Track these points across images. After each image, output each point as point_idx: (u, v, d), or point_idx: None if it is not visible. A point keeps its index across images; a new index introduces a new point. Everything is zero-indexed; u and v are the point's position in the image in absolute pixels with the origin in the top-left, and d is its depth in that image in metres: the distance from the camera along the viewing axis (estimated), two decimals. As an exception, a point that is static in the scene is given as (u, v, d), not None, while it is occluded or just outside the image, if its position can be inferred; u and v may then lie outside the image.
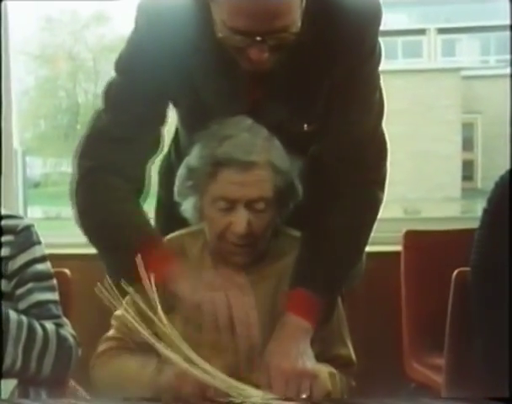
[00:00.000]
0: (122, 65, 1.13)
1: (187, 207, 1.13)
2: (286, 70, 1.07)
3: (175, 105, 1.17)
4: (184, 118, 1.20)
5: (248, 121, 1.09)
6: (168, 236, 1.18)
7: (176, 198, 1.14)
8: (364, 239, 1.16)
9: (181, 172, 1.12)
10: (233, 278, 1.10)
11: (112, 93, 1.13)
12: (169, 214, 1.20)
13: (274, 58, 1.02)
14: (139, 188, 1.16)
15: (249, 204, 1.06)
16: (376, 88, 1.12)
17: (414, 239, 1.83)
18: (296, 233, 1.17)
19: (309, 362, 1.03)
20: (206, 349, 1.02)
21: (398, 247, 1.83)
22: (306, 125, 1.13)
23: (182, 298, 1.04)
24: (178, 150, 1.27)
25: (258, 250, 1.11)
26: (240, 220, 1.06)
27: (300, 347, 1.04)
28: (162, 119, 1.16)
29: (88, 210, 1.12)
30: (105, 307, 0.97)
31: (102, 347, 1.13)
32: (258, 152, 1.06)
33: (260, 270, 1.13)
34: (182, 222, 1.16)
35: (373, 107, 1.12)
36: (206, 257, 1.15)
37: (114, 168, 1.11)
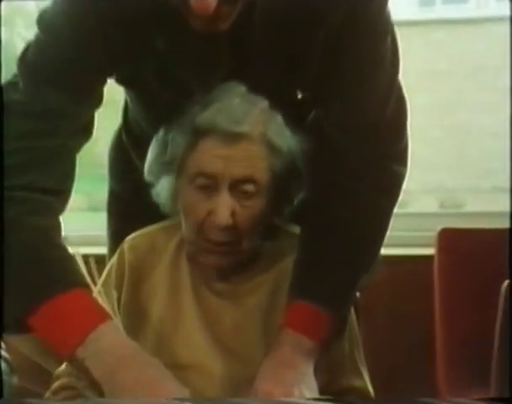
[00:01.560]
0: (50, 19, 1.06)
1: (160, 190, 1.15)
2: (264, 25, 1.07)
3: (126, 79, 1.15)
4: (143, 95, 1.20)
5: (242, 88, 1.11)
6: (135, 233, 1.21)
7: (147, 177, 1.15)
8: (381, 232, 1.17)
9: (154, 145, 1.14)
10: (210, 296, 1.13)
11: (32, 59, 1.06)
12: (125, 210, 1.23)
13: (231, 11, 1.00)
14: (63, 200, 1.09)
15: (236, 187, 1.08)
16: (387, 33, 1.12)
17: (452, 239, 1.84)
18: (296, 229, 1.19)
19: (308, 392, 1.03)
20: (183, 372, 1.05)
21: (431, 250, 1.85)
22: (299, 92, 1.15)
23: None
24: (132, 130, 1.29)
25: (241, 251, 1.12)
26: (222, 206, 1.07)
27: (298, 372, 1.05)
28: (99, 97, 1.11)
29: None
30: None
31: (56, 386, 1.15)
32: (250, 123, 1.08)
33: (252, 277, 1.16)
34: (143, 219, 1.19)
35: (384, 59, 1.13)
36: (182, 258, 1.18)
37: (33, 180, 1.03)
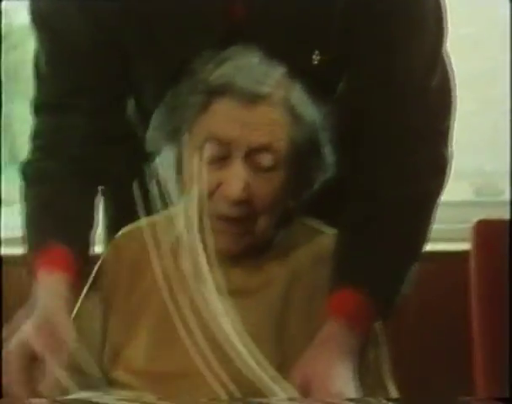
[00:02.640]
0: (44, 16, 1.25)
1: (162, 161, 1.19)
2: None
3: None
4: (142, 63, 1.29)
5: (257, 51, 1.15)
6: (132, 225, 1.28)
7: (149, 147, 1.20)
8: (428, 217, 1.22)
9: (159, 111, 1.18)
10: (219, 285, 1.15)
11: (41, 63, 1.27)
12: (124, 196, 1.27)
13: None
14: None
15: (251, 157, 1.11)
16: None
17: (490, 233, 1.81)
18: (314, 223, 1.26)
19: (350, 392, 1.07)
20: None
21: (466, 245, 1.83)
22: (316, 55, 1.20)
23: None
24: (141, 107, 1.36)
25: (255, 233, 1.15)
26: (235, 177, 1.10)
27: (342, 366, 1.09)
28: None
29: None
30: None
31: None
32: (271, 84, 1.11)
33: (261, 271, 1.20)
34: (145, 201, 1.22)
35: (424, 23, 1.17)
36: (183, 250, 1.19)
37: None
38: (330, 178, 1.21)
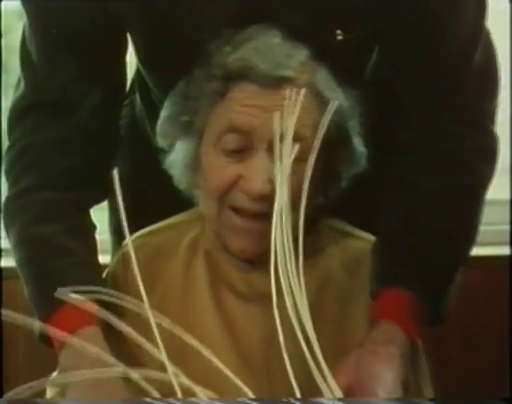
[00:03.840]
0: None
1: (176, 156, 1.12)
2: None
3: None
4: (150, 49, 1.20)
5: (278, 31, 1.08)
6: (140, 232, 1.20)
7: (159, 142, 1.13)
8: (478, 209, 1.17)
9: (171, 100, 1.11)
10: (232, 300, 1.12)
11: (29, 49, 1.16)
12: (135, 199, 1.16)
13: None
14: (94, 197, 1.21)
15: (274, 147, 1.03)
16: None
17: None
18: (342, 225, 1.20)
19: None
20: None
21: (506, 249, 1.81)
22: (339, 32, 1.13)
23: None
24: (147, 97, 1.30)
25: None
26: (257, 170, 1.04)
27: (391, 370, 1.05)
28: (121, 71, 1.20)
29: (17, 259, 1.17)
30: (6, 340, 1.08)
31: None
32: (294, 67, 1.06)
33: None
34: (155, 210, 1.18)
35: None
36: (197, 257, 1.15)
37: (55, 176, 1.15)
38: (359, 173, 1.15)
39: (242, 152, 1.06)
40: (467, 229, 1.18)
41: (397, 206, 1.16)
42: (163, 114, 1.13)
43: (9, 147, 1.19)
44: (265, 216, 1.06)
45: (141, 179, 1.30)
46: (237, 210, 1.08)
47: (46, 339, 1.08)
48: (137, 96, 1.35)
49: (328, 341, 1.09)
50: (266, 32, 1.09)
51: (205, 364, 1.03)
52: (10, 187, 1.19)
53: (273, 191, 1.04)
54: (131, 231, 1.15)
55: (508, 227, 1.84)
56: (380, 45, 1.17)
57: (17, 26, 1.30)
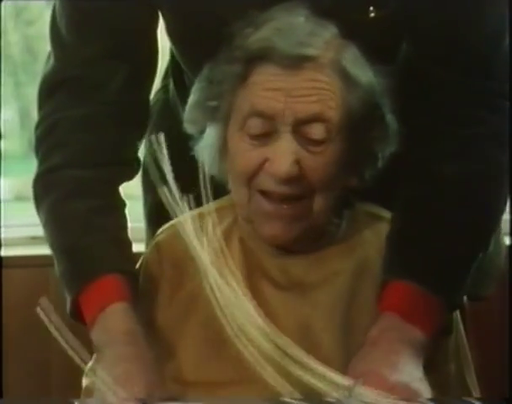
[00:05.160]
0: None
1: (205, 143, 1.11)
2: None
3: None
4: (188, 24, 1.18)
5: (305, 10, 1.06)
6: (174, 221, 1.16)
7: (188, 129, 1.12)
8: (501, 194, 1.13)
9: (197, 86, 1.10)
10: (268, 288, 1.10)
11: (58, 25, 1.16)
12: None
13: None
14: (124, 172, 1.20)
15: (300, 130, 1.02)
16: None
17: None
18: (377, 209, 1.17)
19: (422, 393, 1.00)
20: None
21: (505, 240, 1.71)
22: (372, 10, 1.11)
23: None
24: (181, 82, 1.28)
25: (312, 216, 1.06)
26: (283, 152, 1.02)
27: (408, 365, 1.02)
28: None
29: (45, 224, 1.17)
30: (39, 327, 1.04)
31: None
32: (318, 46, 1.03)
33: (323, 264, 1.11)
34: (187, 192, 1.13)
35: None
36: (232, 244, 1.13)
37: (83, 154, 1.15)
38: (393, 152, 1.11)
39: (267, 136, 1.04)
40: (489, 217, 1.14)
41: (415, 193, 1.12)
42: (191, 100, 1.12)
43: (39, 122, 1.20)
44: (295, 199, 1.05)
45: (173, 164, 1.29)
46: (265, 194, 1.06)
47: (78, 316, 1.11)
48: (171, 81, 1.34)
49: (364, 328, 1.08)
50: (291, 11, 1.06)
51: (240, 354, 1.03)
52: (39, 164, 1.19)
53: (301, 172, 1.03)
54: (165, 219, 1.16)
55: (508, 216, 1.73)
56: (410, 23, 1.13)
57: (44, 14, 1.30)
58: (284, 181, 1.03)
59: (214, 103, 1.08)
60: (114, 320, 1.09)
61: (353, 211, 1.15)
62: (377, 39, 1.09)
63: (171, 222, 1.18)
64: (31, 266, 1.72)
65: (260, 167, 1.04)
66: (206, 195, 1.08)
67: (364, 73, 1.06)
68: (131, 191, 1.32)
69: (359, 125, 1.06)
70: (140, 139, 1.22)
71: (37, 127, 1.20)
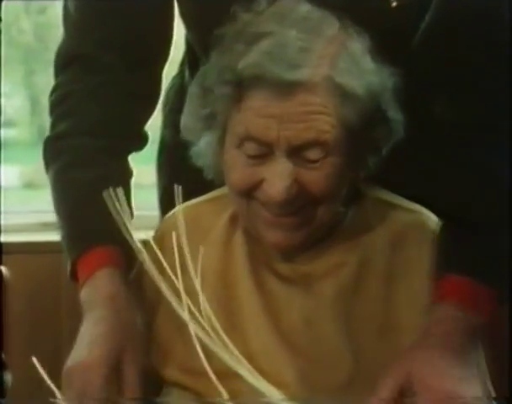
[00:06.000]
0: None
1: (202, 149, 1.09)
2: None
3: None
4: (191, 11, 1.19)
5: (303, 7, 1.03)
6: (177, 208, 1.14)
7: (183, 134, 1.10)
8: None
9: (193, 93, 1.08)
10: (273, 281, 1.09)
11: (71, 10, 1.19)
12: (180, 169, 1.18)
13: None
14: (133, 144, 1.23)
15: (296, 154, 1.00)
16: None
17: None
18: (388, 196, 1.15)
19: (476, 389, 0.98)
20: None
21: None
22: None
23: None
24: (196, 67, 1.24)
25: (317, 222, 1.05)
26: (278, 175, 1.00)
27: (466, 359, 1.00)
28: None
29: (53, 192, 1.20)
30: (50, 314, 1.08)
31: None
32: (310, 64, 0.99)
33: (328, 256, 1.10)
34: (202, 182, 1.15)
35: None
36: (236, 235, 1.13)
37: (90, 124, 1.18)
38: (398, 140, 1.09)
39: (264, 157, 1.02)
40: None
41: (463, 189, 1.11)
42: (186, 108, 1.10)
43: (54, 89, 1.23)
44: (297, 212, 1.03)
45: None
46: (264, 205, 1.04)
47: (75, 278, 1.14)
48: (187, 66, 1.34)
49: (371, 320, 1.08)
50: (286, 17, 1.03)
51: (244, 343, 1.04)
52: (50, 128, 1.22)
53: (299, 189, 1.01)
54: (173, 202, 1.13)
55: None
56: (431, 14, 1.11)
57: (56, 1, 1.30)
58: (282, 204, 1.01)
59: (209, 112, 1.06)
60: (100, 283, 1.11)
61: (361, 198, 1.13)
62: (397, 28, 1.08)
63: (174, 209, 1.15)
64: (42, 252, 1.73)
65: (258, 185, 1.03)
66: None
67: (361, 81, 1.02)
68: (141, 180, 1.32)
69: (359, 134, 1.04)
70: (149, 115, 1.24)
71: (51, 94, 1.23)
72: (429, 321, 1.04)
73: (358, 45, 1.03)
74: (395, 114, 1.06)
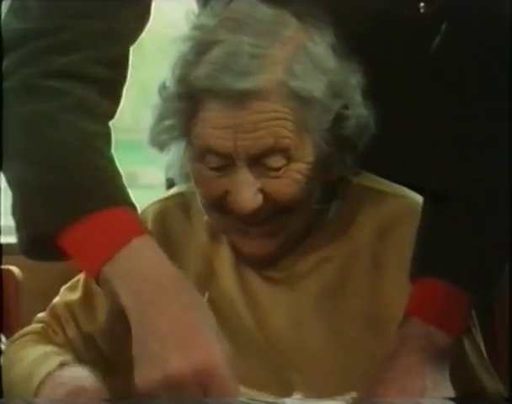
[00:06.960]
0: None
1: (169, 161, 1.08)
2: None
3: None
4: None
5: (259, 10, 1.01)
6: (162, 197, 1.17)
7: (151, 143, 1.06)
8: None
9: (154, 103, 1.05)
10: (258, 281, 1.08)
11: None
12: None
13: None
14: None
15: (257, 162, 1.00)
16: None
17: None
18: (376, 182, 1.13)
19: None
20: None
21: None
22: (422, 5, 1.10)
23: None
24: None
25: (292, 227, 1.04)
26: (242, 185, 0.99)
27: (430, 379, 0.98)
28: None
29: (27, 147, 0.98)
30: None
31: (24, 329, 1.14)
32: (262, 70, 0.97)
33: (312, 251, 1.09)
34: None
35: None
36: (220, 237, 1.11)
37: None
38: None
39: (226, 167, 1.01)
40: None
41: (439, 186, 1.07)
42: (153, 112, 1.06)
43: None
44: (268, 220, 1.02)
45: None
46: (234, 215, 1.02)
47: (41, 254, 0.96)
48: None
49: (359, 312, 1.07)
50: (238, 24, 1.01)
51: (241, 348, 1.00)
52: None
53: (267, 198, 1.00)
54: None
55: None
56: (448, 21, 1.10)
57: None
58: (250, 214, 1.00)
59: (171, 124, 1.04)
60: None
61: (347, 188, 1.10)
62: (418, 36, 1.10)
63: (159, 198, 1.16)
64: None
65: (224, 197, 1.02)
66: None
67: (320, 82, 1.01)
68: (149, 180, 1.33)
69: (323, 135, 1.02)
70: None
71: None
72: (398, 336, 1.01)
73: (318, 44, 1.02)
74: (362, 109, 1.04)
